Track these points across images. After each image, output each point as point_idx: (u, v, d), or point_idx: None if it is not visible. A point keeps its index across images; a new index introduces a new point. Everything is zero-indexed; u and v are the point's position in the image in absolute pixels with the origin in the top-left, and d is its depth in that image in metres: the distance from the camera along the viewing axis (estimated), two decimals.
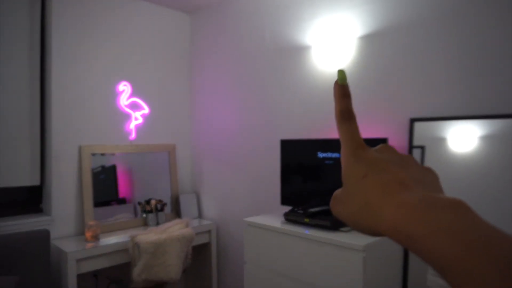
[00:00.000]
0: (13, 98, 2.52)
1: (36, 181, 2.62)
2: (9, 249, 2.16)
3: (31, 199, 2.68)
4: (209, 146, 3.21)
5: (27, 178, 2.58)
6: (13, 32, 2.51)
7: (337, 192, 0.33)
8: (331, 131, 2.27)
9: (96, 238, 2.49)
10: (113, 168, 2.94)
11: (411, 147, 1.87)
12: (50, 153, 2.59)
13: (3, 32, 2.47)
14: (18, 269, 2.14)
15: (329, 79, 2.30)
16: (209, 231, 3.03)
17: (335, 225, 1.84)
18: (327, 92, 2.31)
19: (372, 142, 1.86)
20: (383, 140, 1.83)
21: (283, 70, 2.58)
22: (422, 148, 1.85)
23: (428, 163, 1.82)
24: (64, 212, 2.61)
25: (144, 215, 2.95)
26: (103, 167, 2.88)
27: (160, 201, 3.00)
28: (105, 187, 2.90)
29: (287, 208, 2.15)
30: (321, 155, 2.08)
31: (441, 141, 1.79)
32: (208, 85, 3.22)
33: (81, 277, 2.39)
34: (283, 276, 1.94)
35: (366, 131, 2.08)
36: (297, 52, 2.48)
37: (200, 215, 3.27)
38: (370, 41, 2.10)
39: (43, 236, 2.31)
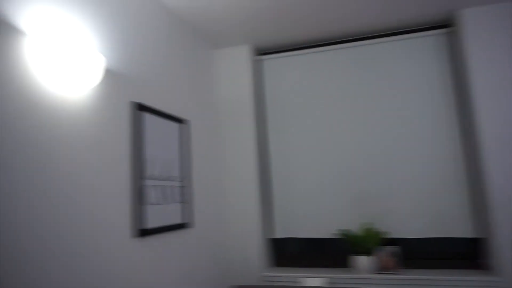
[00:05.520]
0: (436, 146, 2.41)
1: (470, 233, 2.35)
2: None
3: (469, 251, 2.44)
4: None
5: (461, 228, 2.36)
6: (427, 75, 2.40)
7: None
8: None
9: None
10: None
11: None
12: (486, 201, 2.27)
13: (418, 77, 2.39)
14: None
15: None
16: None
17: None
18: None
19: None
20: None
21: None
22: None
23: None
24: None
25: None
26: None
27: None
28: None
29: None
30: None
31: None
32: None
33: None
34: None
35: None
36: None
37: None
38: None
39: None
